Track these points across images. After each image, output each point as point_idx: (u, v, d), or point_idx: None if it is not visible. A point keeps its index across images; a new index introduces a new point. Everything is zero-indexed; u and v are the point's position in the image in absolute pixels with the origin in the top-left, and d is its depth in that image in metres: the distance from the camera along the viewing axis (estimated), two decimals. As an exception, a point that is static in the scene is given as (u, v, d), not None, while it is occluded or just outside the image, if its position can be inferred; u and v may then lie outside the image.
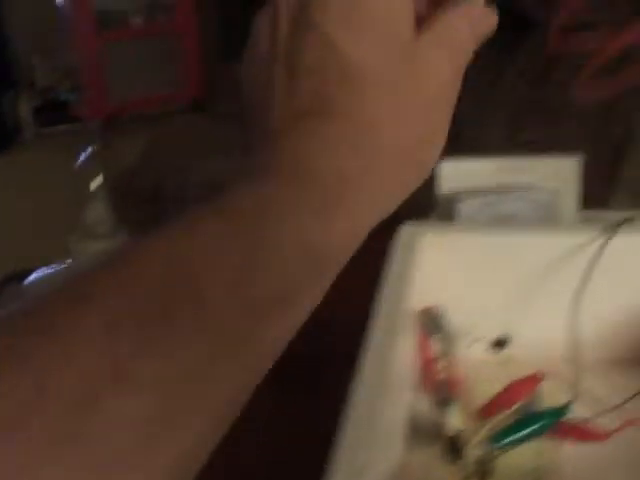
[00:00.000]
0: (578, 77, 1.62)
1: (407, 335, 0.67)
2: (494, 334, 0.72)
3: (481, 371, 0.71)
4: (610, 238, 0.69)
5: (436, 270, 0.73)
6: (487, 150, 1.53)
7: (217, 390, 0.31)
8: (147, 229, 0.32)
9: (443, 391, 0.68)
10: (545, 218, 0.87)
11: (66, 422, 0.26)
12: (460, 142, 1.46)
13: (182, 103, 3.57)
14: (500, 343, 0.71)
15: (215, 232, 0.32)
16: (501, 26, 0.45)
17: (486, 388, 0.69)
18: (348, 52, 0.37)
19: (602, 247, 0.69)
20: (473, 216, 0.87)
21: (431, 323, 0.71)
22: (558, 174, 0.89)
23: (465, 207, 0.87)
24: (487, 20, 0.43)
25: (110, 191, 2.58)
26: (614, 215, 0.96)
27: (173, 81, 3.65)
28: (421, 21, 0.40)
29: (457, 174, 0.88)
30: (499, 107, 1.73)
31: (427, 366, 0.71)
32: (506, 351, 0.72)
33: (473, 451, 0.63)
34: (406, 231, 0.74)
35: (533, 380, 0.68)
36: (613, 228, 0.70)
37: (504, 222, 0.86)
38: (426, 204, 0.91)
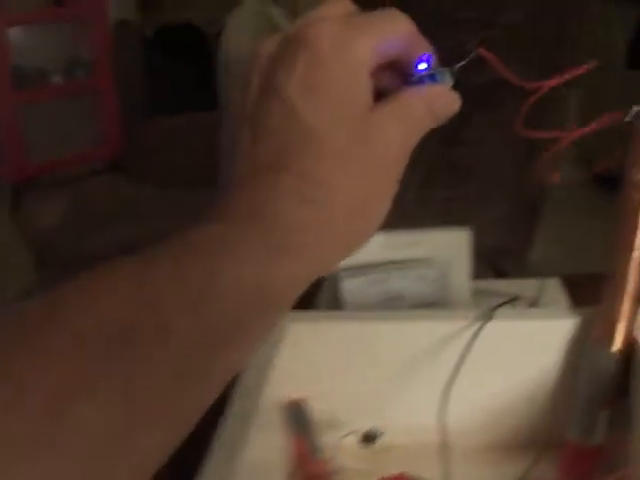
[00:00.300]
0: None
1: (271, 429, 0.63)
2: (367, 425, 0.67)
3: (353, 465, 0.67)
4: (483, 326, 0.65)
5: (304, 359, 0.69)
6: (401, 210, 1.49)
7: (176, 407, 0.35)
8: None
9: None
10: (434, 294, 0.82)
11: (43, 424, 0.29)
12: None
13: (102, 163, 3.50)
14: (370, 437, 0.66)
15: (175, 264, 0.36)
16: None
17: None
18: (306, 117, 0.41)
19: (475, 334, 0.65)
20: (358, 295, 0.82)
21: (298, 417, 0.65)
22: (449, 247, 0.84)
23: (349, 285, 0.82)
24: (448, 102, 0.46)
25: (30, 253, 2.49)
26: (506, 285, 0.92)
27: (93, 140, 3.57)
28: (383, 95, 0.44)
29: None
30: (412, 166, 1.70)
31: (298, 461, 0.65)
32: (379, 441, 0.66)
33: None
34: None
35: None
36: (488, 314, 0.66)
37: (389, 301, 0.81)
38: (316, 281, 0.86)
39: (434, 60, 0.48)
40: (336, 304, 0.84)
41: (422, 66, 0.47)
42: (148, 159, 3.08)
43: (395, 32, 0.44)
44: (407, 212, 1.51)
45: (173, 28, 3.92)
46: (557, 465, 0.67)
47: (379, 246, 0.83)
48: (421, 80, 0.47)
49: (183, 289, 0.35)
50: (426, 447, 0.66)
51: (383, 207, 0.44)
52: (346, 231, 0.43)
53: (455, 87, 0.48)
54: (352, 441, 0.66)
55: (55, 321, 0.32)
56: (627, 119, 0.59)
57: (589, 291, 1.00)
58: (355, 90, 0.42)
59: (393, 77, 0.46)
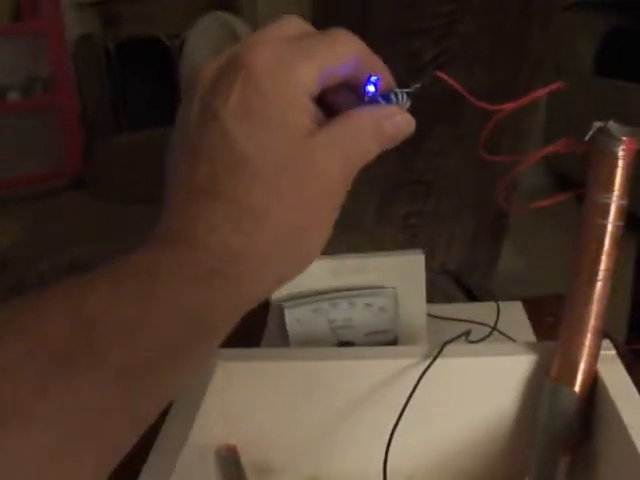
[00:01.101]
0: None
1: (199, 477, 0.57)
2: (305, 472, 0.61)
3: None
4: (431, 364, 0.59)
5: (235, 400, 0.63)
6: (360, 229, 1.44)
7: (108, 436, 0.34)
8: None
9: None
10: (385, 322, 0.77)
11: None
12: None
13: (63, 180, 3.43)
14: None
15: (110, 288, 0.36)
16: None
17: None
18: (239, 142, 0.41)
19: (423, 372, 0.59)
20: (303, 325, 0.76)
21: (230, 464, 0.59)
22: (401, 272, 0.79)
23: (293, 315, 0.76)
24: (398, 124, 0.45)
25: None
26: (465, 310, 0.87)
27: (53, 157, 3.51)
28: (333, 115, 0.44)
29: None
30: (370, 182, 1.65)
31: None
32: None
33: None
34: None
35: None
36: (438, 350, 0.60)
37: (336, 331, 0.76)
38: (264, 309, 0.81)
39: (388, 80, 0.46)
40: (281, 335, 0.78)
41: (371, 88, 0.45)
42: (110, 176, 3.02)
43: (342, 54, 0.43)
44: (366, 231, 1.45)
45: (136, 42, 3.86)
46: (516, 513, 0.61)
47: (325, 272, 0.78)
48: (375, 101, 0.45)
49: (117, 316, 0.35)
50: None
51: (321, 234, 0.44)
52: (280, 259, 0.43)
53: (412, 103, 0.46)
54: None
55: None
56: (587, 138, 0.53)
57: (551, 314, 0.96)
58: (291, 115, 0.42)
59: (348, 98, 0.45)
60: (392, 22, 1.49)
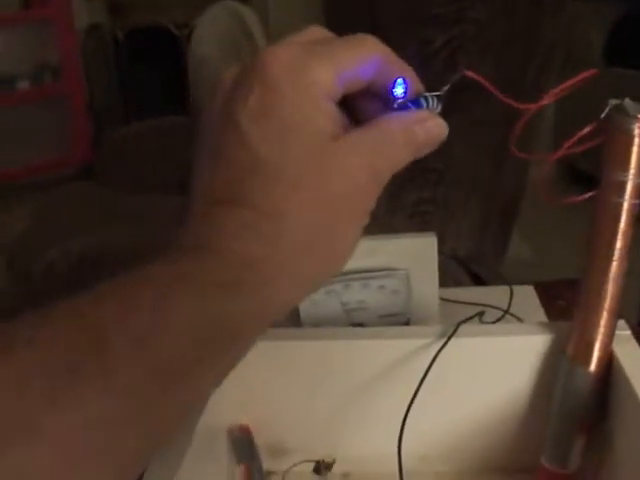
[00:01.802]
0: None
1: (210, 459, 0.57)
2: (319, 452, 0.61)
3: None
4: (446, 343, 0.59)
5: (248, 380, 0.62)
6: (373, 215, 1.44)
7: (122, 451, 0.33)
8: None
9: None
10: (398, 305, 0.77)
11: None
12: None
13: (72, 168, 3.43)
14: (322, 466, 0.59)
15: (126, 299, 0.35)
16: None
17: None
18: (257, 147, 0.40)
19: (438, 352, 0.59)
20: (316, 307, 0.76)
21: (243, 445, 0.59)
22: (413, 255, 0.78)
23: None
24: (431, 130, 0.43)
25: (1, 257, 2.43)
26: (477, 294, 0.86)
27: (62, 146, 3.51)
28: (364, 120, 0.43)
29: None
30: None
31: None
32: (333, 471, 0.60)
33: None
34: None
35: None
36: (453, 330, 0.59)
37: (349, 314, 0.75)
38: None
39: (416, 84, 0.45)
40: (293, 316, 0.78)
41: (399, 90, 0.43)
42: (119, 164, 3.02)
43: (362, 57, 0.42)
44: (377, 218, 1.45)
45: (144, 31, 3.86)
46: (530, 493, 0.61)
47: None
48: (405, 106, 0.43)
49: (129, 326, 0.35)
50: (386, 476, 0.59)
51: (349, 238, 0.43)
52: (306, 264, 0.41)
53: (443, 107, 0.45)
54: (303, 471, 0.60)
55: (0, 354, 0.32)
56: (603, 115, 0.53)
57: (563, 298, 0.95)
58: (311, 117, 0.41)
59: (376, 104, 0.44)
60: (403, 9, 1.49)
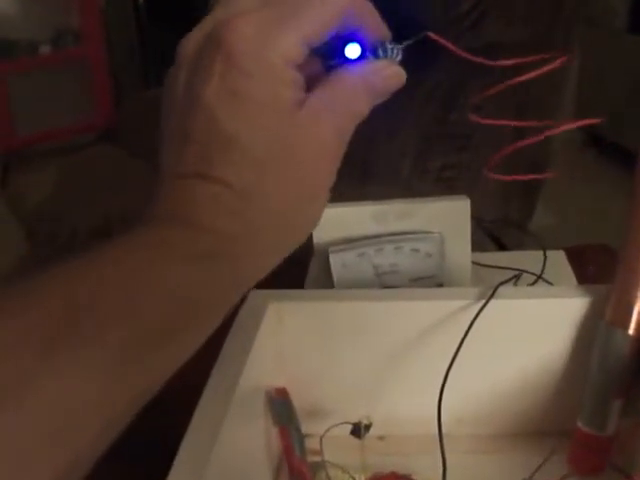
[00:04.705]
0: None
1: (250, 420, 0.57)
2: (356, 415, 0.61)
3: (341, 458, 0.60)
4: (485, 305, 0.59)
5: (286, 342, 0.63)
6: (397, 180, 1.43)
7: (110, 402, 0.35)
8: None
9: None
10: (431, 269, 0.76)
11: None
12: (369, 174, 1.34)
13: (93, 133, 3.43)
14: (359, 428, 0.59)
15: (110, 268, 0.37)
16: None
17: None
18: (226, 123, 0.41)
19: (477, 314, 0.59)
20: (348, 270, 0.76)
21: (281, 406, 0.59)
22: (446, 218, 0.78)
23: (338, 260, 0.76)
24: (388, 78, 0.44)
25: (21, 224, 2.43)
26: (509, 259, 0.86)
27: (84, 111, 3.50)
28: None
29: (332, 222, 0.76)
30: (408, 134, 1.64)
31: (283, 455, 0.60)
32: (370, 433, 0.60)
33: None
34: (254, 298, 0.62)
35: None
36: (490, 292, 0.59)
37: (382, 277, 0.75)
38: (308, 253, 0.80)
39: (381, 30, 0.45)
40: (325, 281, 0.78)
41: (352, 48, 0.44)
42: (140, 130, 3.01)
43: (328, 14, 0.42)
44: (403, 182, 1.44)
45: (166, -5, 3.84)
46: (567, 455, 0.61)
47: (370, 218, 0.77)
48: (364, 55, 0.44)
49: (115, 296, 0.36)
50: (422, 439, 0.60)
51: (318, 204, 0.44)
52: (277, 234, 0.43)
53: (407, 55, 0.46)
54: (340, 432, 0.60)
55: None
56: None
57: (593, 263, 0.95)
58: (277, 90, 0.41)
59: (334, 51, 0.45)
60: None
